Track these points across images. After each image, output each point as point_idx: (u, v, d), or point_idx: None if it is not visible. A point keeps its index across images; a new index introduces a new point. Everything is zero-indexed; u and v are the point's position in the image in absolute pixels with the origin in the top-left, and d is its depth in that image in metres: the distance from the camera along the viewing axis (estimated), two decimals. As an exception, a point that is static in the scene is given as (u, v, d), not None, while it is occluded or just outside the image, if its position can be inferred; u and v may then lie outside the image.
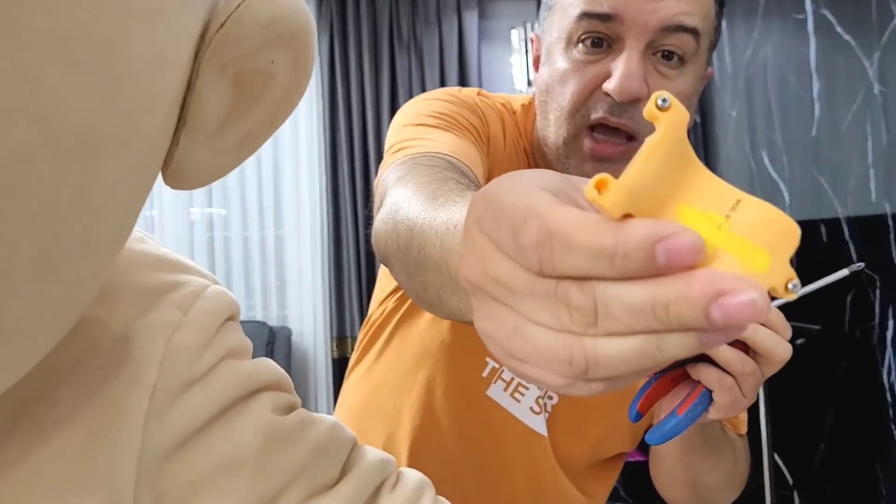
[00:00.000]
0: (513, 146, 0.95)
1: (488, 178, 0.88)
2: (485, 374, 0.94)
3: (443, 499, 0.50)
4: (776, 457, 2.07)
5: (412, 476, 0.50)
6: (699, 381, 0.68)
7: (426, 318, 0.97)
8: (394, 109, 3.71)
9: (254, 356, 0.47)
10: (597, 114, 0.84)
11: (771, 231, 0.30)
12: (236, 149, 0.37)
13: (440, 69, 3.77)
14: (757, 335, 0.65)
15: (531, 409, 0.94)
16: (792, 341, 0.67)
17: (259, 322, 3.65)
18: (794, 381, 2.02)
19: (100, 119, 0.27)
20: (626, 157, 0.83)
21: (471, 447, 0.96)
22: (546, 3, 0.91)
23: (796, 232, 0.30)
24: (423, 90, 3.71)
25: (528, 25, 3.49)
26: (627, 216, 0.30)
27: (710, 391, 0.67)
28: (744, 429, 0.95)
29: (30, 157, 0.25)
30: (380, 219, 0.67)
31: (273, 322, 3.77)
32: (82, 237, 0.29)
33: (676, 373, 0.70)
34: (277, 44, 0.34)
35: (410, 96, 3.83)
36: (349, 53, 3.79)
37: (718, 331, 0.28)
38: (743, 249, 0.30)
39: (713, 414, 0.68)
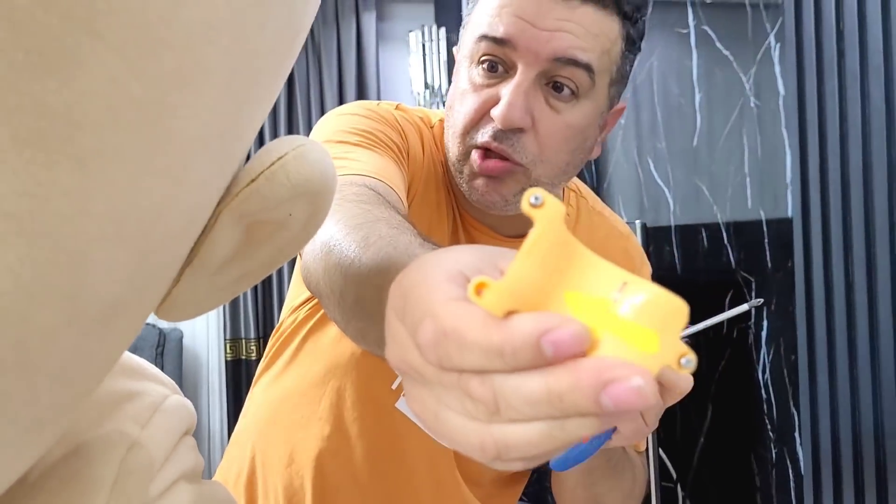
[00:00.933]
0: (430, 160, 0.96)
1: (409, 193, 0.90)
2: (394, 386, 0.95)
3: None
4: (661, 452, 2.15)
5: None
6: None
7: (338, 328, 0.96)
8: (290, 110, 3.67)
9: (144, 359, 0.46)
10: (483, 138, 0.86)
11: (659, 310, 0.31)
12: (232, 285, 0.36)
13: (338, 70, 3.75)
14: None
15: None
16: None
17: (148, 324, 3.55)
18: (676, 379, 2.12)
19: (126, 288, 0.27)
20: (512, 174, 0.87)
21: (378, 459, 0.96)
22: (463, 20, 0.92)
23: (684, 309, 0.31)
24: (321, 91, 3.69)
25: (426, 28, 3.52)
26: (513, 312, 0.31)
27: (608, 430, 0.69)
28: (643, 447, 0.99)
29: (52, 334, 0.24)
30: (310, 252, 0.66)
31: (164, 325, 3.68)
32: (81, 391, 0.29)
33: None
34: (300, 200, 0.34)
35: (308, 98, 3.82)
36: (245, 51, 3.72)
37: (613, 413, 0.29)
38: (632, 332, 0.30)
39: (616, 442, 0.71)
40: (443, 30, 3.46)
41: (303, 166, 0.33)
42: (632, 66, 0.92)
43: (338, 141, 0.85)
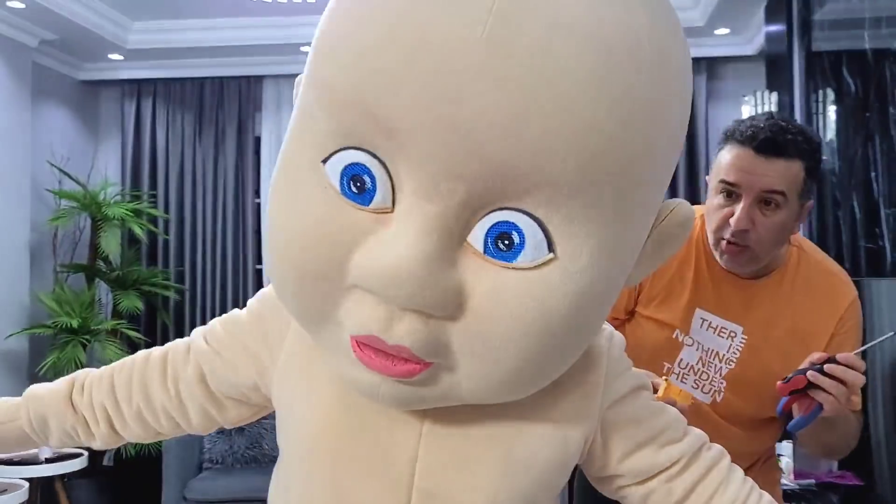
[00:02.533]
0: (693, 239, 1.57)
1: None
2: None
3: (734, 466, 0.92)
4: None
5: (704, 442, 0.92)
6: (816, 398, 1.34)
7: None
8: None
9: None
10: (726, 235, 1.46)
11: None
12: None
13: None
14: (846, 374, 1.30)
15: None
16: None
17: None
18: None
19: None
20: (744, 252, 1.47)
21: None
22: (711, 168, 1.54)
23: None
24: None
25: (758, 93, 3.99)
26: None
27: (821, 403, 1.33)
28: (858, 407, 1.51)
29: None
30: None
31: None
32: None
33: (801, 393, 1.36)
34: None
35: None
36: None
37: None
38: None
39: (826, 414, 1.34)
40: (774, 94, 3.91)
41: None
42: (815, 181, 1.51)
43: None
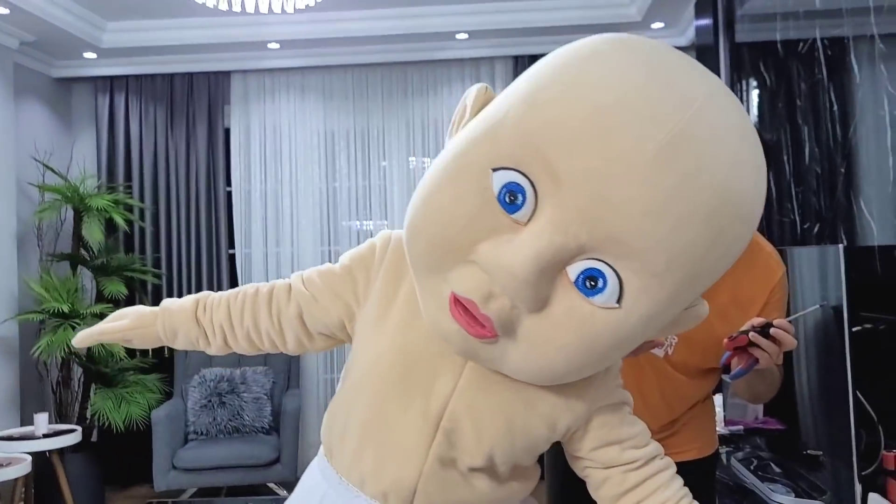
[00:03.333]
0: None
1: None
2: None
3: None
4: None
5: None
6: (754, 354, 1.58)
7: None
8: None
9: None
10: None
11: None
12: None
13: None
14: (783, 337, 1.55)
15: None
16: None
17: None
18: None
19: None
20: None
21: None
22: None
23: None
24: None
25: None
26: None
27: (758, 359, 1.57)
28: (780, 362, 1.71)
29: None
30: None
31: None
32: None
33: (742, 350, 1.60)
34: None
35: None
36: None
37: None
38: None
39: (760, 367, 1.59)
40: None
41: None
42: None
43: None
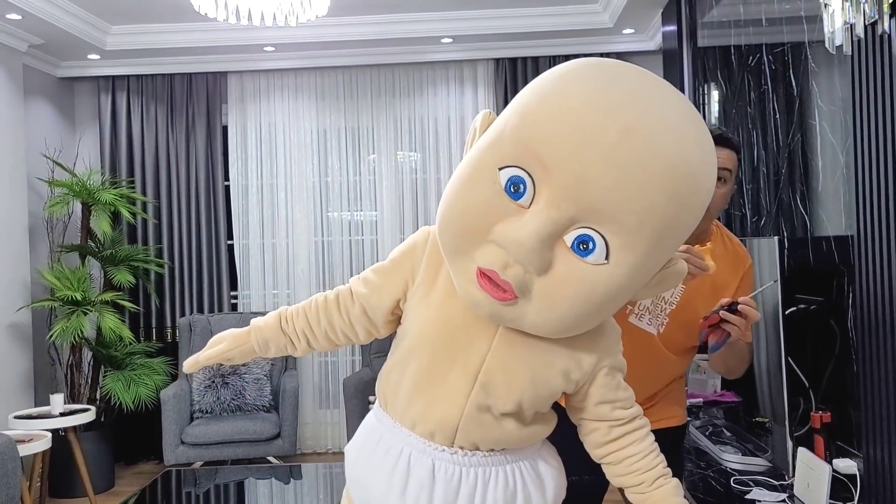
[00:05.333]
0: None
1: None
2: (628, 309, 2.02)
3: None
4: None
5: None
6: (726, 329, 1.86)
7: None
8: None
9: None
10: None
11: None
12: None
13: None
14: (749, 312, 1.84)
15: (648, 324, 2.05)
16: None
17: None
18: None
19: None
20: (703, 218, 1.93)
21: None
22: None
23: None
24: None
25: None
26: None
27: (730, 333, 1.83)
28: (749, 340, 2.02)
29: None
30: None
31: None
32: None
33: (716, 326, 1.87)
34: None
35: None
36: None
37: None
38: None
39: (731, 340, 1.87)
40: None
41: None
42: (740, 166, 2.09)
43: None
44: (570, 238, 1.04)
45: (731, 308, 1.85)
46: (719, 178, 1.90)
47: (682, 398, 2.25)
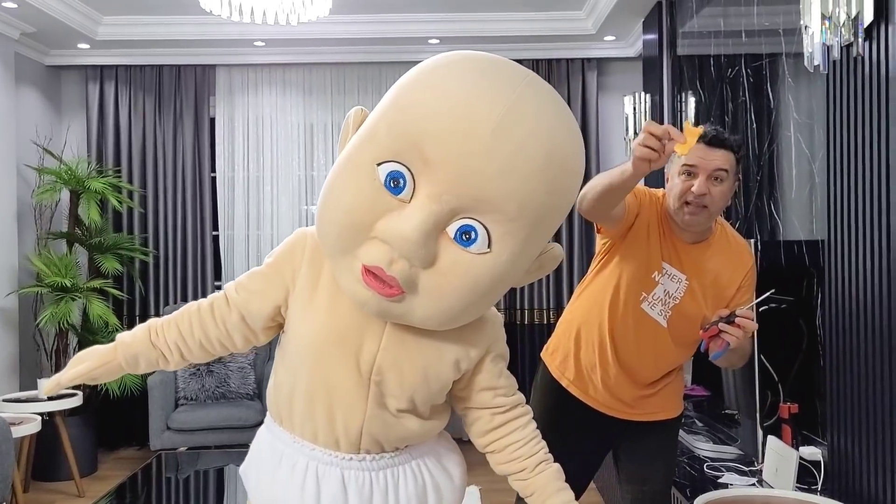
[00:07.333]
0: (658, 213, 2.10)
1: (637, 218, 2.10)
2: (641, 297, 2.13)
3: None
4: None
5: None
6: (725, 339, 1.93)
7: (606, 273, 2.17)
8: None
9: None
10: (689, 199, 1.99)
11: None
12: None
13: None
14: (746, 324, 1.89)
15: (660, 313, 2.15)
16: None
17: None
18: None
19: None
20: (703, 214, 2.02)
21: (630, 331, 2.14)
22: (669, 163, 2.03)
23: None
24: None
25: (637, 94, 4.92)
26: None
27: (729, 342, 1.91)
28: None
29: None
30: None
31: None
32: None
33: (715, 336, 1.95)
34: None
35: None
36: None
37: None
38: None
39: (732, 346, 1.93)
40: (648, 96, 4.87)
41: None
42: (741, 166, 2.09)
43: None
44: (452, 229, 1.06)
45: (729, 319, 1.93)
46: (716, 178, 2.01)
47: (679, 390, 2.38)
